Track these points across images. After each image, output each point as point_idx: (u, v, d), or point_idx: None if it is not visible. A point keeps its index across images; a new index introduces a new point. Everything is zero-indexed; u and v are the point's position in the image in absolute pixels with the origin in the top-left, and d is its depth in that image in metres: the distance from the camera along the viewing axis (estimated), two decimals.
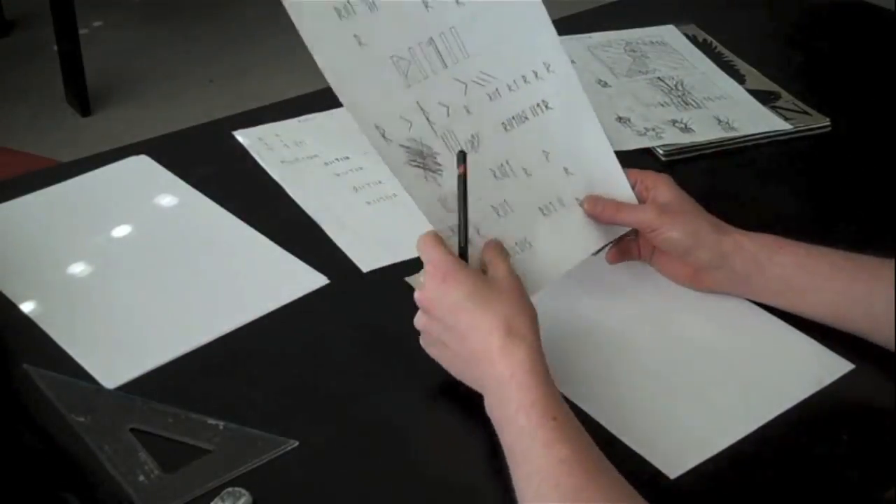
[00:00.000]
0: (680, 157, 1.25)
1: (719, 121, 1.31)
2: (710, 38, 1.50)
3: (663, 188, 0.99)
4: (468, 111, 0.86)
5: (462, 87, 0.87)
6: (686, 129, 1.29)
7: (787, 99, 1.36)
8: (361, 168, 1.21)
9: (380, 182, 1.19)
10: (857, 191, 1.22)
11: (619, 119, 1.31)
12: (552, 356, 0.96)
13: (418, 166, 0.84)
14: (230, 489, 0.81)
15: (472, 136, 0.85)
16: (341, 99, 0.83)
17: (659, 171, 1.26)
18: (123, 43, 3.27)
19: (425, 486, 0.85)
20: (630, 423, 0.89)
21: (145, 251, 1.06)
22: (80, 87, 2.89)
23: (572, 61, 1.47)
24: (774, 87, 1.38)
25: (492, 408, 0.84)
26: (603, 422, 0.89)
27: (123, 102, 2.99)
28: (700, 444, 0.88)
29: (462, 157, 0.82)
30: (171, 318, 0.98)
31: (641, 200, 0.99)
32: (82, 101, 2.90)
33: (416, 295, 0.89)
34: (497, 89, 0.88)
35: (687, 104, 1.34)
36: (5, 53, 3.19)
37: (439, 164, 0.84)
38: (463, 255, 0.89)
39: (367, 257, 1.08)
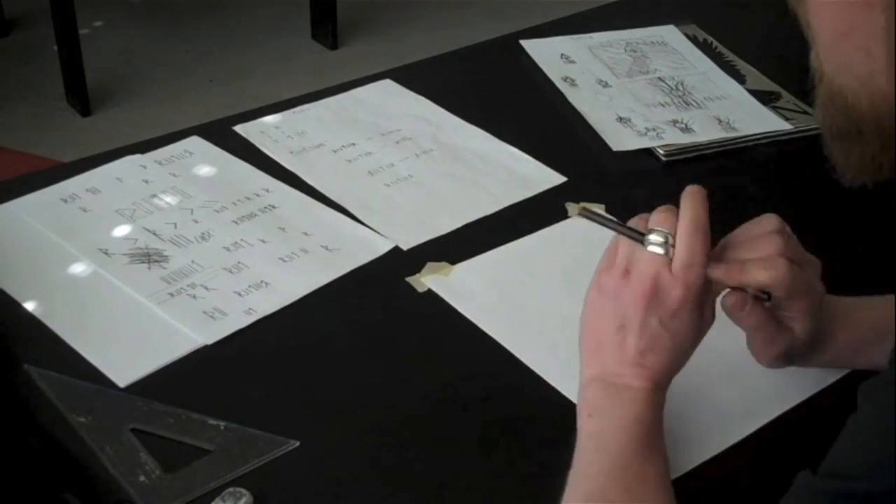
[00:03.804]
0: (680, 157, 1.25)
1: (719, 121, 1.31)
2: (710, 38, 1.50)
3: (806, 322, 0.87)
4: (196, 221, 1.10)
5: (188, 211, 1.11)
6: (686, 129, 1.29)
7: (787, 99, 1.36)
8: (370, 153, 1.23)
9: (392, 165, 1.21)
10: (857, 191, 1.22)
11: (620, 119, 1.31)
12: (554, 357, 0.96)
13: (142, 262, 1.04)
14: (231, 489, 0.81)
15: (203, 233, 1.08)
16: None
17: (659, 171, 1.26)
18: (123, 43, 3.27)
19: (425, 486, 0.85)
20: None
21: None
22: (80, 87, 2.89)
23: (573, 62, 1.47)
24: (774, 87, 1.39)
25: (597, 390, 0.81)
26: None
27: (123, 102, 2.99)
28: (700, 444, 0.88)
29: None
30: (175, 317, 0.98)
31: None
32: (82, 101, 2.90)
33: (656, 266, 0.80)
34: (224, 206, 1.12)
35: (687, 104, 1.34)
36: (5, 53, 3.19)
37: (165, 256, 1.04)
38: None
39: (404, 236, 1.09)
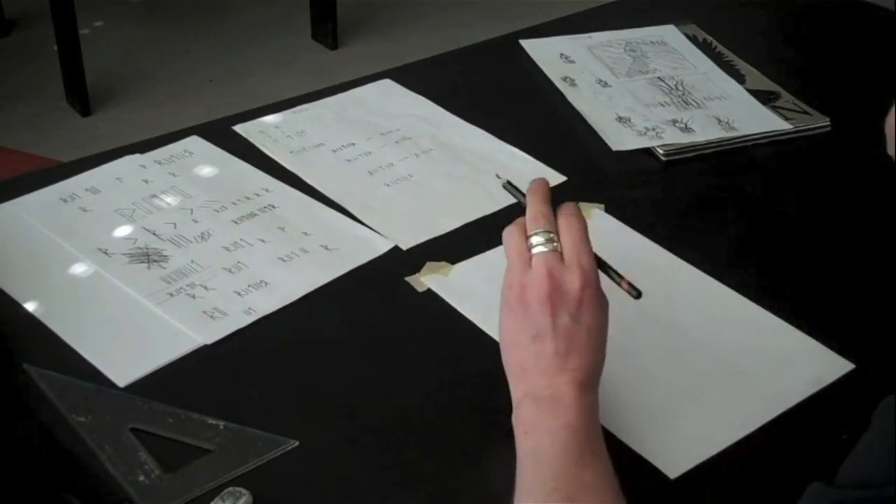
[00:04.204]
0: (680, 156, 1.25)
1: (719, 121, 1.31)
2: (710, 38, 1.50)
3: None
4: (195, 221, 1.10)
5: (188, 211, 1.11)
6: (686, 129, 1.29)
7: (787, 99, 1.36)
8: (370, 153, 1.23)
9: (391, 164, 1.21)
10: (857, 191, 1.22)
11: (619, 119, 1.31)
12: None
13: (142, 262, 1.04)
14: (230, 489, 0.81)
15: (202, 233, 1.08)
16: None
17: (659, 170, 1.26)
18: (123, 43, 3.27)
19: (425, 486, 0.85)
20: (630, 423, 0.89)
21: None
22: (80, 87, 2.89)
23: (572, 61, 1.47)
24: (774, 87, 1.39)
25: (528, 408, 0.80)
26: (603, 422, 0.89)
27: (123, 102, 2.99)
28: (700, 444, 0.88)
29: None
30: (174, 317, 0.98)
31: None
32: (82, 101, 2.90)
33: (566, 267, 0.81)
34: (224, 206, 1.13)
35: (687, 104, 1.34)
36: (5, 53, 3.19)
37: (165, 256, 1.05)
38: None
39: (404, 235, 1.10)
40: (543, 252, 0.82)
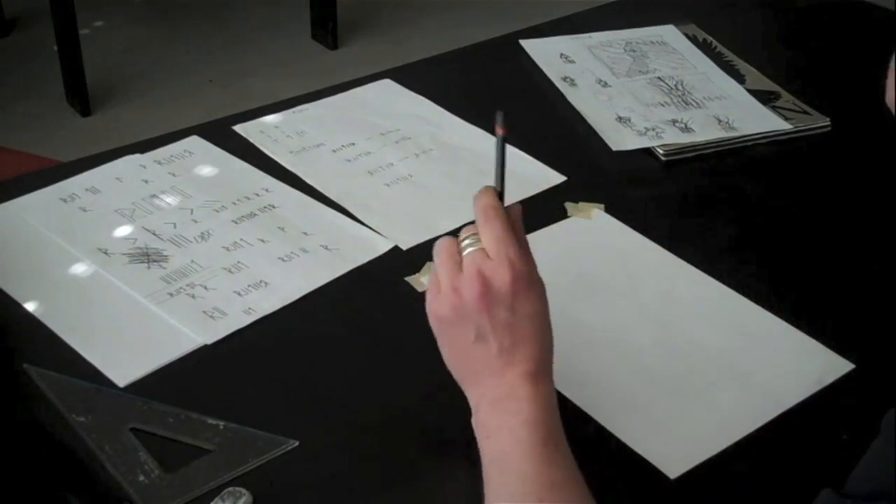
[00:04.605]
0: (680, 156, 1.25)
1: (719, 121, 1.31)
2: (710, 38, 1.50)
3: None
4: (195, 221, 1.10)
5: (188, 211, 1.11)
6: (686, 129, 1.29)
7: (786, 99, 1.36)
8: (370, 153, 1.23)
9: (391, 164, 1.21)
10: (857, 191, 1.22)
11: (619, 119, 1.31)
12: (553, 356, 0.96)
13: (142, 262, 1.04)
14: (230, 489, 0.81)
15: (202, 233, 1.08)
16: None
17: (659, 170, 1.27)
18: (123, 43, 3.27)
19: (424, 486, 0.85)
20: (630, 423, 0.89)
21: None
22: (80, 87, 2.89)
23: (572, 61, 1.47)
24: (774, 87, 1.39)
25: (486, 412, 0.80)
26: (603, 422, 0.89)
27: (123, 102, 2.99)
28: (700, 444, 0.88)
29: (500, 119, 0.85)
30: (174, 317, 0.98)
31: None
32: (82, 101, 2.90)
33: (484, 264, 0.80)
34: (223, 205, 1.12)
35: (687, 104, 1.34)
36: (5, 53, 3.19)
37: (165, 256, 1.05)
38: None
39: (404, 235, 1.10)
40: (471, 251, 0.81)
